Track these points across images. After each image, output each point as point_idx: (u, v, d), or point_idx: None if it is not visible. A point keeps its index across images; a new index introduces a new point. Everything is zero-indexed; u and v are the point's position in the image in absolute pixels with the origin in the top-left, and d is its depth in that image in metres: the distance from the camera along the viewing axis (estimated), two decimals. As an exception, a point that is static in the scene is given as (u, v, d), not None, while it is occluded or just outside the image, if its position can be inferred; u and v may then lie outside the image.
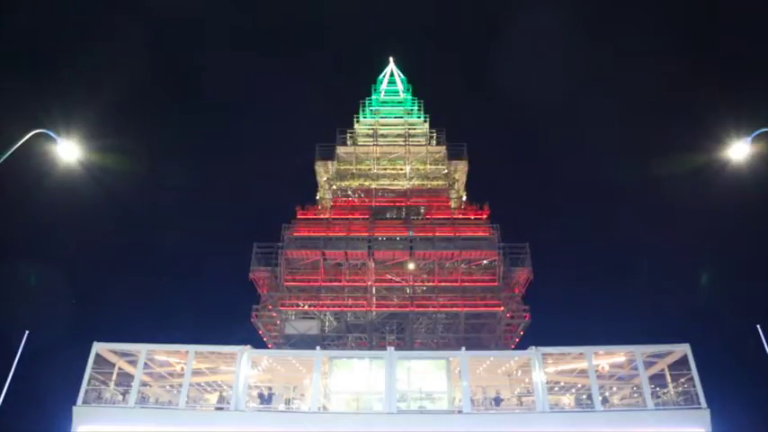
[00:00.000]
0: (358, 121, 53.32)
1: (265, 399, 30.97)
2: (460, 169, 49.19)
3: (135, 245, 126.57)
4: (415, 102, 56.21)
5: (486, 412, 30.00)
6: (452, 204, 45.52)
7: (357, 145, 50.00)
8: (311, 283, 39.74)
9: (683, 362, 29.23)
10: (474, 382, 31.38)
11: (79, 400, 27.90)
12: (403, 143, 49.76)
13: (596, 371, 30.03)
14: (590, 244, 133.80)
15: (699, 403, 27.47)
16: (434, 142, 50.53)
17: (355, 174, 47.92)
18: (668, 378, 30.57)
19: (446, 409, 29.73)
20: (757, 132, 19.16)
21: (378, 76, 62.10)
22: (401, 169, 48.35)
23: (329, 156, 48.70)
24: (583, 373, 31.65)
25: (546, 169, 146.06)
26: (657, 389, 31.00)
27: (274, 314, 39.71)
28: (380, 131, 51.56)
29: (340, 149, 48.46)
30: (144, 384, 31.29)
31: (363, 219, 42.32)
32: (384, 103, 57.12)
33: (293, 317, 39.62)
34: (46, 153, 18.97)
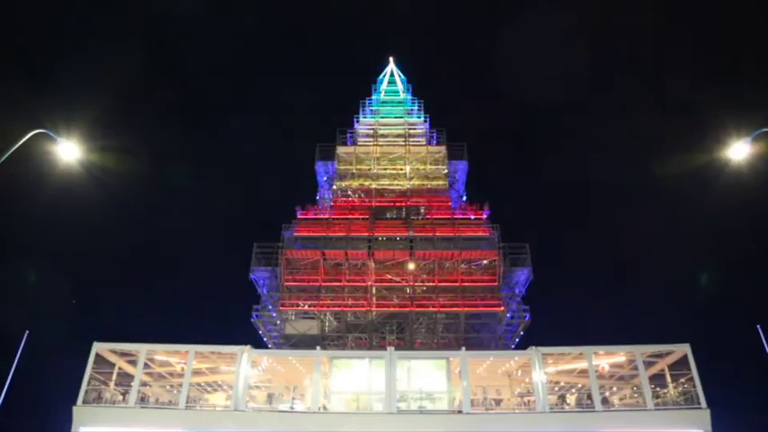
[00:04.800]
0: (358, 121, 53.31)
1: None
2: (460, 169, 49.18)
3: (135, 245, 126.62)
4: (415, 101, 56.23)
5: (486, 412, 29.99)
6: (452, 204, 45.49)
7: (357, 145, 49.98)
8: (311, 283, 39.71)
9: (683, 362, 29.21)
10: (474, 382, 31.37)
11: (79, 400, 27.90)
12: (403, 143, 49.75)
13: (596, 371, 30.01)
14: (590, 244, 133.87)
15: (699, 403, 27.46)
16: (434, 142, 50.53)
17: (355, 174, 47.89)
18: (668, 378, 30.55)
19: (446, 409, 29.73)
20: (757, 132, 19.15)
21: (378, 76, 62.19)
22: (401, 169, 48.32)
23: (329, 156, 48.69)
24: (583, 373, 31.63)
25: (546, 169, 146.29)
26: (657, 389, 30.98)
27: (274, 314, 39.70)
28: (380, 131, 51.56)
29: (340, 149, 48.44)
30: (144, 384, 31.27)
31: (363, 219, 42.29)
32: (384, 103, 57.14)
33: (293, 317, 39.59)
34: (46, 153, 18.98)
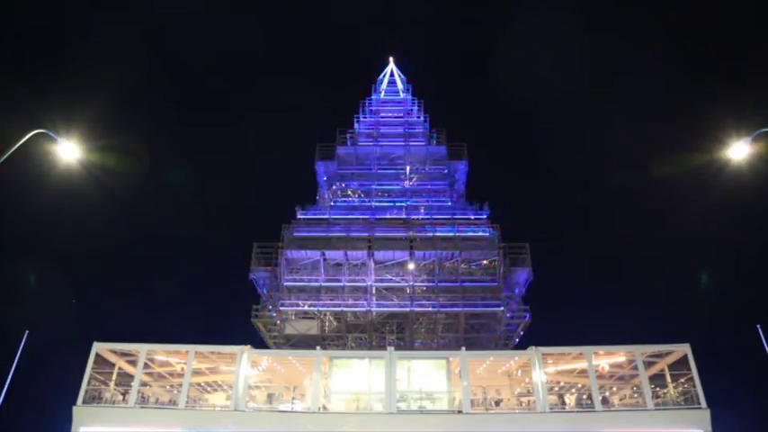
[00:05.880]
0: (358, 122, 53.28)
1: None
2: (461, 169, 49.17)
3: (135, 245, 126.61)
4: (415, 101, 56.17)
5: (486, 412, 30.01)
6: (452, 204, 45.47)
7: (357, 145, 49.98)
8: (311, 283, 39.72)
9: (683, 362, 29.25)
10: (474, 382, 31.38)
11: (79, 400, 27.92)
12: (403, 143, 49.73)
13: (596, 371, 30.02)
14: (590, 244, 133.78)
15: (699, 403, 27.49)
16: (434, 142, 50.51)
17: (355, 174, 47.88)
18: (668, 378, 30.57)
19: (446, 409, 29.74)
20: (757, 132, 19.15)
21: (378, 76, 62.12)
22: (401, 169, 48.32)
23: (329, 156, 48.67)
24: (583, 373, 31.65)
25: (546, 169, 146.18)
26: (657, 389, 30.99)
27: (274, 314, 39.69)
28: (380, 131, 51.52)
29: (340, 149, 48.43)
30: (144, 384, 31.30)
31: (363, 219, 42.30)
32: (384, 103, 57.06)
33: (293, 317, 39.60)
34: (46, 153, 18.97)
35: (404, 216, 42.99)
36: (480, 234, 40.64)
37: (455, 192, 48.32)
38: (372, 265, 39.54)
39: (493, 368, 33.49)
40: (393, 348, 31.04)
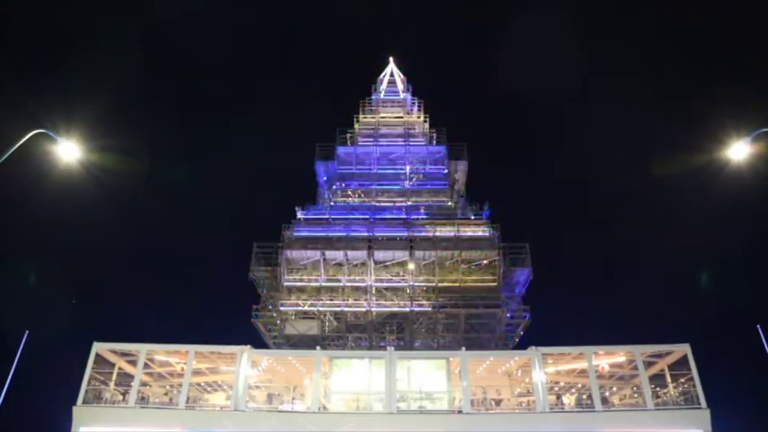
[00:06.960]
0: (358, 121, 53.27)
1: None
2: (461, 169, 49.16)
3: (135, 245, 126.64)
4: (415, 101, 56.15)
5: (486, 412, 30.01)
6: (452, 204, 45.46)
7: (357, 145, 49.97)
8: (311, 283, 39.71)
9: (683, 362, 29.25)
10: (474, 382, 31.38)
11: (79, 400, 27.91)
12: (403, 143, 49.71)
13: (596, 371, 30.02)
14: (590, 244, 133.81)
15: (699, 403, 27.48)
16: (434, 142, 50.50)
17: (355, 174, 47.87)
18: (668, 378, 30.57)
19: (446, 409, 29.74)
20: (757, 132, 19.15)
21: (378, 75, 62.12)
22: (401, 169, 48.30)
23: (329, 155, 48.68)
24: (583, 373, 31.65)
25: (546, 169, 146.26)
26: (657, 389, 30.99)
27: (274, 314, 39.69)
28: (380, 131, 51.53)
29: (340, 149, 48.42)
30: (144, 384, 31.29)
31: (363, 219, 42.29)
32: (384, 102, 57.05)
33: (293, 317, 39.60)
34: (46, 153, 18.98)
35: (404, 216, 42.97)
36: (480, 234, 40.60)
37: (455, 192, 48.30)
38: (372, 265, 39.53)
39: (493, 368, 33.49)
40: (393, 348, 31.04)
